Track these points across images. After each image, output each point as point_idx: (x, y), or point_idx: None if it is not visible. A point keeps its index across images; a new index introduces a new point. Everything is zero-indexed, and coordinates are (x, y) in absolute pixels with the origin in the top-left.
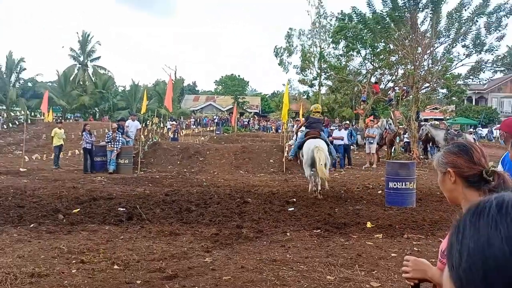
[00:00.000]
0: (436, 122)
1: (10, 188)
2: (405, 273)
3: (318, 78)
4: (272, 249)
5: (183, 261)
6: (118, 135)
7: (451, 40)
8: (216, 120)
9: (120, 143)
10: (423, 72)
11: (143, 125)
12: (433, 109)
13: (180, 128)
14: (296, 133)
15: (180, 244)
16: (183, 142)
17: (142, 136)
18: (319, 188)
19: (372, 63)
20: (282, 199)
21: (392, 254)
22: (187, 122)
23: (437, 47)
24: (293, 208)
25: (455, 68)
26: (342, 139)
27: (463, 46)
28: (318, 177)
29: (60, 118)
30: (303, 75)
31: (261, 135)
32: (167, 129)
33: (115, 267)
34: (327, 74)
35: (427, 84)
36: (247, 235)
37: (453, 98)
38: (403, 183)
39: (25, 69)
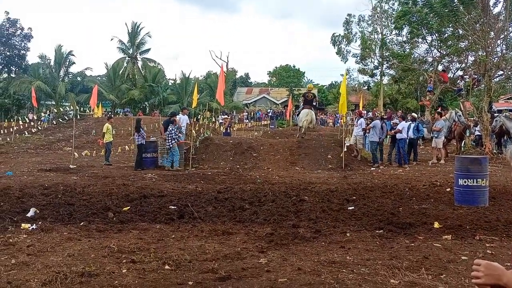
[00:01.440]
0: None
1: (60, 185)
2: (476, 278)
3: (379, 67)
4: (330, 250)
5: (236, 261)
6: (173, 128)
7: None
8: (270, 114)
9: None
10: (496, 58)
11: (194, 119)
12: (508, 99)
13: (233, 123)
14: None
15: (234, 244)
16: (235, 137)
17: (194, 131)
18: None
19: (439, 50)
20: (341, 197)
21: (463, 257)
22: (239, 116)
23: None
24: (353, 207)
25: None
26: (401, 132)
27: None
28: (305, 129)
29: (110, 113)
30: (363, 64)
31: (318, 129)
32: (219, 123)
33: (166, 267)
34: (389, 62)
35: (501, 72)
36: (303, 235)
37: None
38: (475, 180)
39: (74, 63)
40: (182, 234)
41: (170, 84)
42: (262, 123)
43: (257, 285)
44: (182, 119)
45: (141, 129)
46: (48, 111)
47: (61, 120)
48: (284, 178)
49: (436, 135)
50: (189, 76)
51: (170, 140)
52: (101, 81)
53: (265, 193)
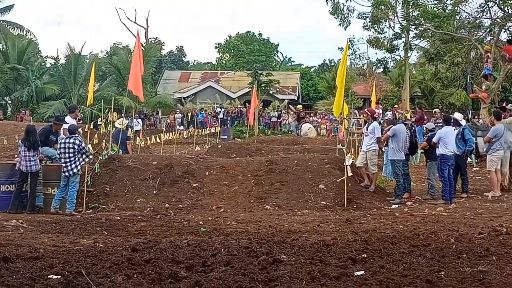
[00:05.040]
0: None
1: None
2: None
3: (403, 35)
4: None
5: None
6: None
7: None
8: (221, 115)
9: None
10: None
11: (90, 126)
12: None
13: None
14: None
15: None
16: (162, 155)
17: (90, 146)
18: None
19: (502, 6)
20: (343, 256)
21: None
22: (169, 119)
23: None
24: (363, 272)
25: None
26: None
27: None
28: None
29: None
30: (375, 30)
31: (303, 140)
32: (132, 132)
33: None
34: (419, 28)
35: None
36: None
37: None
38: None
39: None
40: None
41: (48, 66)
42: (208, 131)
43: None
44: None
45: (38, 144)
46: None
47: None
48: (246, 224)
49: (488, 149)
50: (81, 52)
51: (73, 161)
52: None
53: (213, 251)
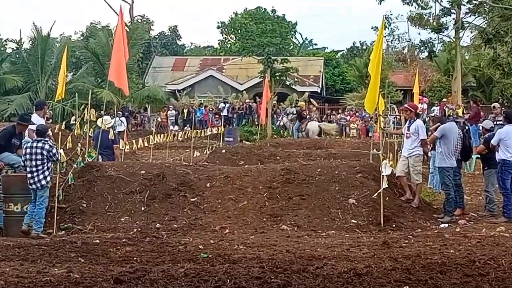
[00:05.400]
0: None
1: None
2: None
3: (453, 11)
4: None
5: None
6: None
7: None
8: (225, 113)
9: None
10: None
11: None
12: None
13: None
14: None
15: None
16: (151, 163)
17: (61, 152)
18: None
19: None
20: None
21: None
22: (160, 118)
23: None
24: None
25: None
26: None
27: None
28: None
29: None
30: (418, 5)
31: (327, 143)
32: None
33: None
34: (473, 1)
35: None
36: None
37: None
38: None
39: None
40: None
41: (9, 52)
42: (209, 133)
43: None
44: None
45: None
46: None
47: None
48: (257, 248)
49: None
50: (49, 33)
51: (41, 171)
52: None
53: (217, 282)
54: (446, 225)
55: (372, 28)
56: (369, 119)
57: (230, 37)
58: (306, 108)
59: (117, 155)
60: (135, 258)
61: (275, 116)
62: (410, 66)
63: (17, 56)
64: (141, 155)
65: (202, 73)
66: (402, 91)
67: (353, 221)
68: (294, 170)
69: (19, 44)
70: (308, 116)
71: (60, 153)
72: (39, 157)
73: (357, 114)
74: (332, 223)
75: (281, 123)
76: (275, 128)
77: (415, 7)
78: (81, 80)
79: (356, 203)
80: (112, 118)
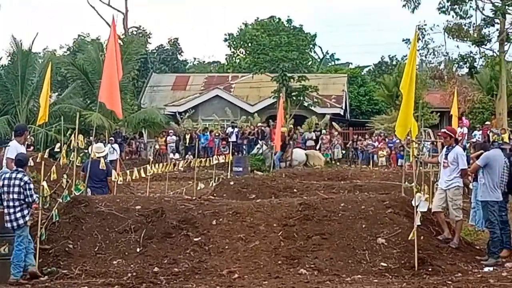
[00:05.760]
0: None
1: None
2: None
3: (497, 20)
4: None
5: None
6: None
7: None
8: (233, 138)
9: None
10: None
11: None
12: None
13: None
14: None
15: None
16: (148, 197)
17: (44, 185)
18: None
19: None
20: None
21: None
22: (158, 144)
23: None
24: None
25: None
26: None
27: None
28: None
29: None
30: (456, 13)
31: (352, 173)
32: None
33: None
34: None
35: None
36: None
37: None
38: None
39: None
40: None
41: None
42: (215, 161)
43: None
44: (18, 151)
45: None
46: None
47: None
48: None
49: None
50: (31, 48)
51: (17, 207)
52: None
53: None
54: (491, 268)
55: (403, 40)
56: (401, 145)
57: (239, 51)
58: (293, 133)
59: (111, 188)
60: None
61: (291, 142)
62: (448, 84)
63: None
64: (136, 188)
65: (206, 92)
66: (439, 113)
67: (382, 264)
68: (313, 205)
69: None
70: (291, 143)
71: (43, 186)
72: (16, 189)
73: (387, 139)
74: (358, 267)
75: (259, 151)
76: (251, 157)
77: (452, 16)
78: (67, 101)
79: (386, 243)
80: (105, 146)
